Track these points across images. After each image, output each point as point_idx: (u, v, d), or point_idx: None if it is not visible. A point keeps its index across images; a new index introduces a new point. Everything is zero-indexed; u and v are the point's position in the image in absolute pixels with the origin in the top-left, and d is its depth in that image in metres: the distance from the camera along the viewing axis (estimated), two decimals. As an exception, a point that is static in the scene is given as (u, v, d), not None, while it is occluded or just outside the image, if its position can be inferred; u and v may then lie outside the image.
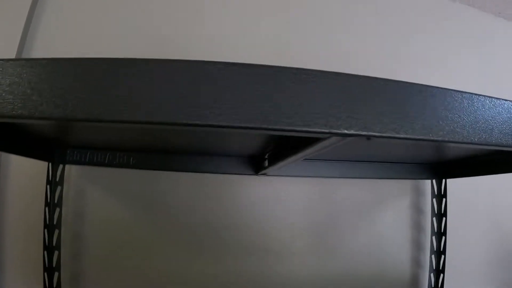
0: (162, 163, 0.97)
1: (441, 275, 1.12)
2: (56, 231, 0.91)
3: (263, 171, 0.95)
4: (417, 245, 1.17)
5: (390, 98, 0.36)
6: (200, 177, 1.03)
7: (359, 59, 1.19)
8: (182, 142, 0.82)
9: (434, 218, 1.13)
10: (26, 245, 0.92)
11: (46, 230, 0.89)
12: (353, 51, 1.18)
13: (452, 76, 1.27)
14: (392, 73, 1.18)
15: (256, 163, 1.00)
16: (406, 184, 1.18)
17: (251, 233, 1.05)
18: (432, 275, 1.13)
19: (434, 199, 1.13)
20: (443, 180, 1.12)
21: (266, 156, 0.89)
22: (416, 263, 1.16)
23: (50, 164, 0.90)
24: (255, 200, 1.07)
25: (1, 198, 0.91)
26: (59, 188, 0.91)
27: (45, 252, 0.89)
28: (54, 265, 0.91)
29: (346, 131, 0.35)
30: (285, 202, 1.09)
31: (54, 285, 0.91)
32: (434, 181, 1.14)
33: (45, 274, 0.90)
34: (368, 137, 0.37)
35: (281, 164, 0.78)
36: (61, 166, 0.91)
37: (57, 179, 0.91)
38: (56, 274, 0.91)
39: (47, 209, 0.89)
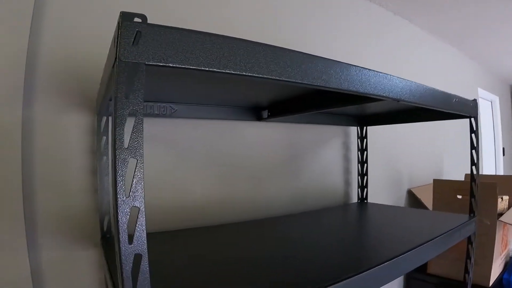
0: (196, 113, 1.15)
1: (365, 189, 1.62)
2: (106, 177, 0.99)
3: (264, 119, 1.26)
4: (347, 171, 1.66)
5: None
6: (217, 123, 1.24)
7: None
8: (214, 96, 1.01)
9: (358, 152, 1.63)
10: (67, 189, 0.97)
11: (98, 176, 0.99)
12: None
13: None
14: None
15: (258, 114, 1.28)
16: (339, 130, 1.64)
17: (247, 164, 1.32)
18: (359, 190, 1.64)
19: (358, 140, 1.63)
20: (364, 128, 1.62)
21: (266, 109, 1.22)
22: (347, 183, 1.66)
23: (96, 116, 1.00)
24: (252, 140, 1.34)
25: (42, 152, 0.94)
26: (104, 138, 0.98)
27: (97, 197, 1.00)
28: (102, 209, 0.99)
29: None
30: (269, 141, 1.39)
31: (105, 229, 0.99)
32: (358, 128, 1.64)
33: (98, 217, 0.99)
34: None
35: (279, 117, 1.12)
36: (104, 118, 0.98)
37: (102, 130, 0.98)
38: (106, 218, 0.99)
39: (95, 156, 0.99)
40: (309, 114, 1.42)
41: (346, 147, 1.68)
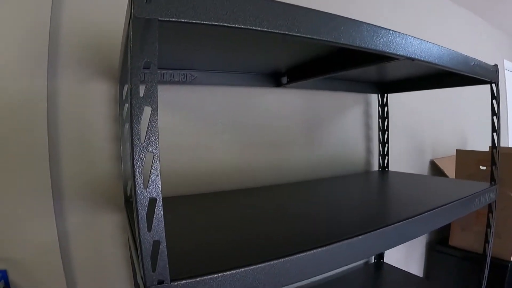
0: (215, 80, 1.17)
1: (386, 157, 1.62)
2: (127, 144, 1.01)
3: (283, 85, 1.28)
4: (368, 139, 1.67)
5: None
6: (236, 89, 1.26)
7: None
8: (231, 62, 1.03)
9: (379, 120, 1.63)
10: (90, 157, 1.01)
11: (121, 143, 1.02)
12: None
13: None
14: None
15: (278, 80, 1.29)
16: (360, 97, 1.64)
17: (267, 130, 1.34)
18: (380, 158, 1.64)
19: (379, 108, 1.62)
20: (385, 95, 1.61)
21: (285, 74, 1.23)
22: (368, 151, 1.66)
23: (118, 85, 1.02)
24: (271, 107, 1.35)
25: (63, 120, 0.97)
26: (126, 105, 1.01)
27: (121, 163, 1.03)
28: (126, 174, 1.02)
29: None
30: (288, 108, 1.40)
31: (128, 193, 1.02)
32: (379, 95, 1.63)
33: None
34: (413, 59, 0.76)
35: (297, 82, 1.13)
36: (126, 86, 1.00)
37: (124, 98, 1.01)
38: (129, 182, 1.02)
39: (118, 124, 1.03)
40: (329, 81, 1.43)
41: (368, 114, 1.68)
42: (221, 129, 1.23)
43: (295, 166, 1.43)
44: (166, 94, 1.12)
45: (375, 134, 1.70)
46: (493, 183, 1.23)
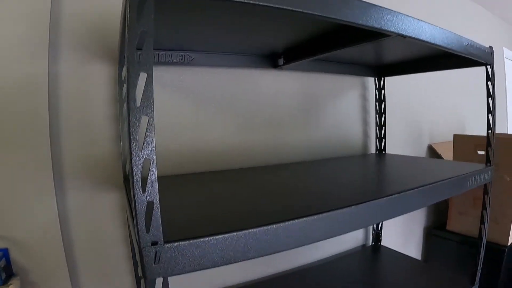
0: (213, 61, 1.17)
1: (383, 140, 1.64)
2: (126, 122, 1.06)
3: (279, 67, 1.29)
4: (365, 122, 1.68)
5: None
6: (233, 71, 1.27)
7: None
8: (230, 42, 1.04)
9: (376, 103, 1.64)
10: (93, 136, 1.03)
11: (120, 123, 1.04)
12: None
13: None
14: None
15: (275, 61, 1.30)
16: (357, 80, 1.65)
17: (264, 111, 1.35)
18: (377, 141, 1.65)
19: (376, 91, 1.63)
20: (382, 78, 1.62)
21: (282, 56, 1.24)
22: (365, 134, 1.68)
23: (118, 66, 1.03)
24: (268, 88, 1.36)
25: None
26: (125, 86, 0.95)
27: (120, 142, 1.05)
28: (125, 153, 1.03)
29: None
30: (285, 90, 1.41)
31: (127, 172, 1.03)
32: (376, 78, 1.64)
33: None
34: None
35: (294, 63, 1.14)
36: (124, 67, 0.99)
37: (123, 79, 1.02)
38: (128, 161, 1.06)
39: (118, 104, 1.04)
40: (325, 63, 1.44)
41: (364, 98, 1.69)
42: (219, 109, 1.24)
43: (292, 147, 1.44)
44: (165, 75, 1.13)
45: (372, 117, 1.71)
46: (488, 164, 1.24)
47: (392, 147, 1.82)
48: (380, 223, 1.72)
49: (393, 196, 0.80)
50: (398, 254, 1.59)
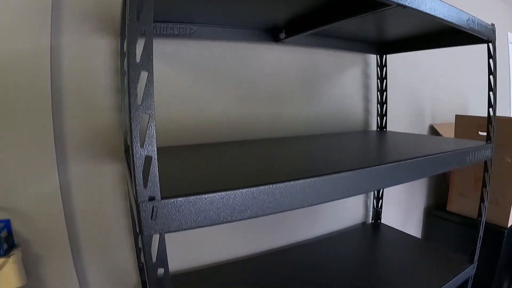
0: (215, 34, 1.17)
1: (384, 118, 1.64)
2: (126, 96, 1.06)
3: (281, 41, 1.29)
4: (367, 99, 1.68)
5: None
6: (235, 45, 1.27)
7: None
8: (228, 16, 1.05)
9: (378, 81, 1.64)
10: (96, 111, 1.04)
11: (121, 94, 1.05)
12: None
13: None
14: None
15: (276, 35, 1.29)
16: (358, 58, 1.64)
17: (265, 85, 1.35)
18: (378, 118, 1.65)
19: (378, 68, 1.63)
20: (384, 56, 1.61)
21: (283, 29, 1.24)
22: (367, 111, 1.68)
23: (120, 38, 1.03)
24: (269, 62, 1.36)
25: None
26: (126, 59, 1.07)
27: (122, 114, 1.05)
28: (126, 124, 1.04)
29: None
30: (286, 65, 1.40)
31: (128, 143, 1.06)
32: (378, 56, 1.63)
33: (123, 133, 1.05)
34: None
35: (295, 36, 1.14)
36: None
37: (124, 50, 1.00)
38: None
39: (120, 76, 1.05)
40: (327, 39, 1.43)
41: (366, 75, 1.68)
42: (220, 83, 1.24)
43: (292, 121, 1.44)
44: (166, 47, 1.13)
45: (374, 95, 1.71)
46: (489, 141, 1.24)
47: (393, 126, 1.82)
48: (380, 201, 1.73)
49: (393, 163, 0.81)
50: (398, 232, 1.60)
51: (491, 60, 1.22)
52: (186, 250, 1.25)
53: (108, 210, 1.08)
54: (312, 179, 0.66)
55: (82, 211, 1.05)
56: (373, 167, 0.77)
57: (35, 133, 0.93)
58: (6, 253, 0.87)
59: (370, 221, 1.78)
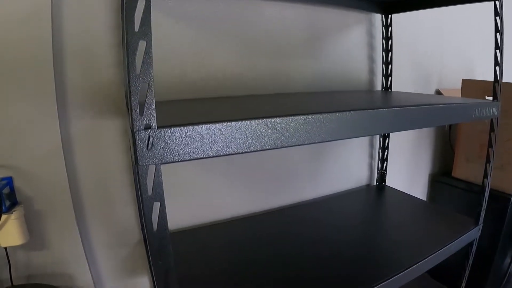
0: None
1: (389, 78, 1.62)
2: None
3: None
4: (372, 60, 1.65)
5: None
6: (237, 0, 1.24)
7: None
8: None
9: (383, 41, 1.61)
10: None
11: (122, 49, 1.04)
12: None
13: None
14: None
15: None
16: (363, 17, 1.60)
17: (267, 41, 1.33)
18: (383, 78, 1.63)
19: (383, 28, 1.60)
20: (389, 15, 1.58)
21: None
22: (371, 71, 1.66)
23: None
24: (271, 18, 1.33)
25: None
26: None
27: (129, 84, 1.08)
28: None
29: None
30: (289, 21, 1.37)
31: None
32: (383, 16, 1.60)
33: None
34: None
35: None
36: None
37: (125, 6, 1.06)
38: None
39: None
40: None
41: (371, 35, 1.64)
42: (221, 38, 1.22)
43: (295, 78, 1.43)
44: (168, 2, 1.11)
45: (379, 55, 1.67)
46: (495, 100, 1.22)
47: (398, 88, 1.79)
48: (385, 163, 1.72)
49: (399, 108, 0.80)
50: (403, 193, 1.60)
51: (497, 18, 1.20)
52: (188, 208, 1.26)
53: (109, 165, 1.08)
54: (314, 115, 0.65)
55: (83, 167, 1.05)
56: (378, 109, 0.75)
57: (36, 88, 0.92)
58: (8, 210, 0.88)
59: (375, 183, 1.77)
